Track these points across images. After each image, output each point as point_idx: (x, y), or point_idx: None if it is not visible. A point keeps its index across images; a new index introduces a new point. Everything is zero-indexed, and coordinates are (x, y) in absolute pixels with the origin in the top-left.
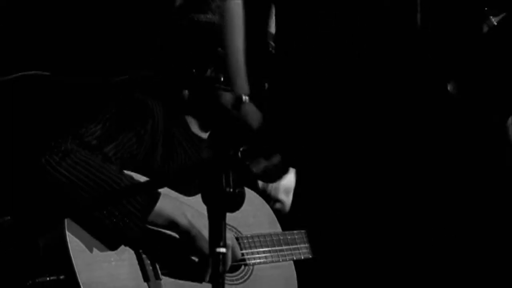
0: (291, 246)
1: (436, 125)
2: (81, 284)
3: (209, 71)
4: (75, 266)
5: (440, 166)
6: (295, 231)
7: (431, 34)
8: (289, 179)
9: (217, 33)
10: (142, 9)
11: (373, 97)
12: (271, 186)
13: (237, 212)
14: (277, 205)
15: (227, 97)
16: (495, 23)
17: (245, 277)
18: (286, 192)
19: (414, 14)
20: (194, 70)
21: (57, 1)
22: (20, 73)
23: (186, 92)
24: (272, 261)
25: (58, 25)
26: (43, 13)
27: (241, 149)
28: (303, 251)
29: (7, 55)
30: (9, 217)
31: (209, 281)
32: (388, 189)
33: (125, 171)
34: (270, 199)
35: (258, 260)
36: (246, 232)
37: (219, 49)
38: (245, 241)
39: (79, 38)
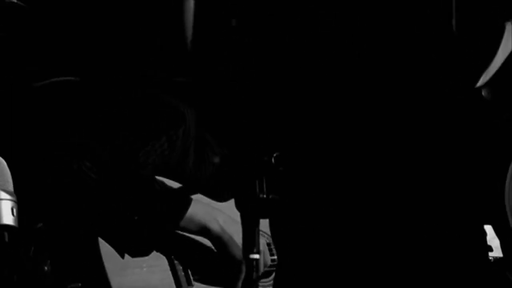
0: None
1: (467, 129)
2: None
3: None
4: (107, 272)
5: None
6: None
7: (466, 39)
8: None
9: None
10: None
11: (400, 101)
12: None
13: None
14: None
15: None
16: None
17: None
18: None
19: (450, 20)
20: None
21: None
22: (53, 79)
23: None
24: None
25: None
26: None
27: (274, 155)
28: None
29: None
30: (41, 224)
31: None
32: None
33: (157, 177)
34: None
35: None
36: None
37: None
38: None
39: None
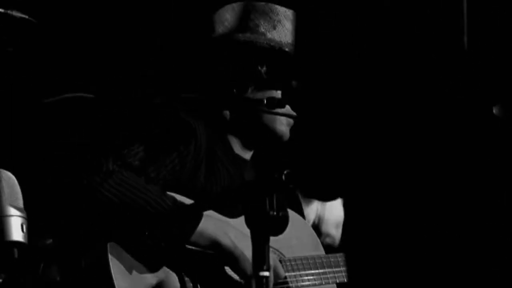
0: (334, 269)
1: (478, 147)
2: None
3: (249, 91)
4: None
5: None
6: (338, 254)
7: (478, 57)
8: (338, 213)
9: (256, 52)
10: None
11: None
12: (321, 220)
13: None
14: (327, 240)
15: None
16: None
17: None
18: (336, 226)
19: (461, 37)
20: (234, 90)
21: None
22: (63, 95)
23: (227, 112)
24: (315, 284)
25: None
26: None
27: (285, 172)
28: (347, 273)
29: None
30: (51, 240)
31: None
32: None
33: (168, 193)
34: (321, 234)
35: (301, 283)
36: (288, 254)
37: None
38: (288, 263)
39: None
